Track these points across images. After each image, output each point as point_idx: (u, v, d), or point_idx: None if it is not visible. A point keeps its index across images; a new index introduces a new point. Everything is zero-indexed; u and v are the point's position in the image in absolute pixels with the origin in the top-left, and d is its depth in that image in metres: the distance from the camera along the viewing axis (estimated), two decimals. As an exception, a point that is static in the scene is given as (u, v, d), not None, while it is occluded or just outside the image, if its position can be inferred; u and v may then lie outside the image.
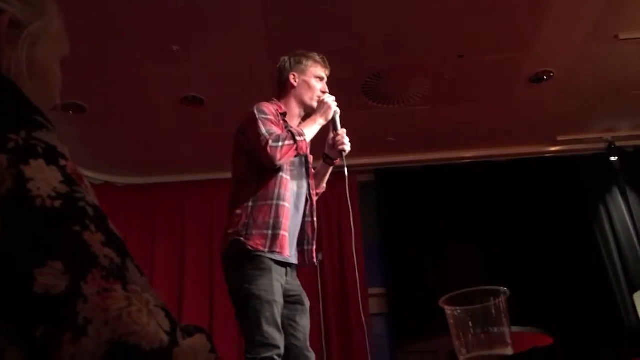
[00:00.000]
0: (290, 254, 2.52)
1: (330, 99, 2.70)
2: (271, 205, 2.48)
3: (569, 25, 3.91)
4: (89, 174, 4.89)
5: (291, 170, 2.61)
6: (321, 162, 2.83)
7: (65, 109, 4.18)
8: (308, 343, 2.53)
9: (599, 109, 4.98)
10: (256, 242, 2.41)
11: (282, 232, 2.46)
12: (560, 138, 5.37)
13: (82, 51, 3.53)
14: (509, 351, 1.13)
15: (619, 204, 5.30)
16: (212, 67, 4.04)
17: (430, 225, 5.09)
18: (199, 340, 0.67)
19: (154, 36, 3.72)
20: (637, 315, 3.81)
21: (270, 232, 2.44)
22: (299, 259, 2.63)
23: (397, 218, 5.25)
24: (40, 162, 0.66)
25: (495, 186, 5.30)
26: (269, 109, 2.59)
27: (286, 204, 2.51)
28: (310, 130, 2.60)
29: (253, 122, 2.53)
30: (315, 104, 2.72)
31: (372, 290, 5.07)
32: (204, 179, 5.30)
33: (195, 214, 5.22)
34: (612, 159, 5.41)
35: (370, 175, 5.45)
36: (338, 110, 2.72)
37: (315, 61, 2.78)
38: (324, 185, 2.87)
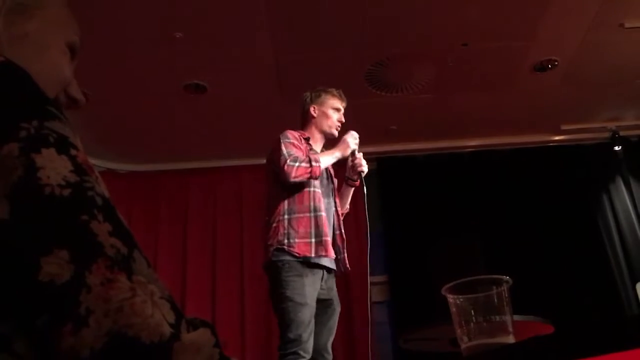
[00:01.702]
0: (332, 254, 2.88)
1: (351, 138, 3.06)
2: (309, 217, 2.86)
3: (573, 13, 3.88)
4: (92, 161, 4.83)
5: (321, 188, 2.99)
6: (343, 184, 3.21)
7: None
8: (329, 345, 2.87)
9: (603, 98, 4.97)
10: (302, 249, 2.78)
11: (325, 238, 2.84)
12: (564, 127, 5.36)
13: (85, 37, 3.51)
14: (511, 339, 1.14)
15: (622, 194, 5.30)
16: (214, 55, 4.03)
17: (432, 213, 5.09)
18: (202, 334, 0.66)
19: (157, 23, 3.70)
20: (639, 304, 3.82)
21: (313, 240, 2.82)
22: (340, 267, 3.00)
23: (399, 206, 5.25)
24: (52, 151, 0.66)
25: (498, 175, 5.29)
26: (293, 134, 2.99)
27: (323, 214, 2.90)
28: (327, 160, 2.97)
29: (277, 145, 2.91)
30: (333, 132, 3.13)
31: (374, 279, 5.09)
32: (207, 166, 5.31)
33: (198, 201, 5.22)
34: (616, 148, 5.40)
35: (373, 164, 5.45)
36: (356, 148, 3.08)
37: (333, 95, 3.17)
38: (348, 206, 3.25)
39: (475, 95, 4.74)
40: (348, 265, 3.02)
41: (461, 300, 1.18)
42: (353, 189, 3.21)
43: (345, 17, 3.76)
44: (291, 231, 2.81)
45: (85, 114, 4.40)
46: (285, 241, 2.79)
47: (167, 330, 0.62)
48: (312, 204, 2.88)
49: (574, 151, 5.43)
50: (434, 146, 5.39)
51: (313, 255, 2.78)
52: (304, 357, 2.63)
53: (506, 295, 1.16)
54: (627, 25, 3.99)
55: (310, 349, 2.66)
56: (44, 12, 0.88)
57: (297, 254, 2.77)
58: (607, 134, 5.43)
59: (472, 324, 1.15)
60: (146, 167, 5.35)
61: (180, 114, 4.66)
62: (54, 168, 0.65)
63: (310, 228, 2.83)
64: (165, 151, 5.19)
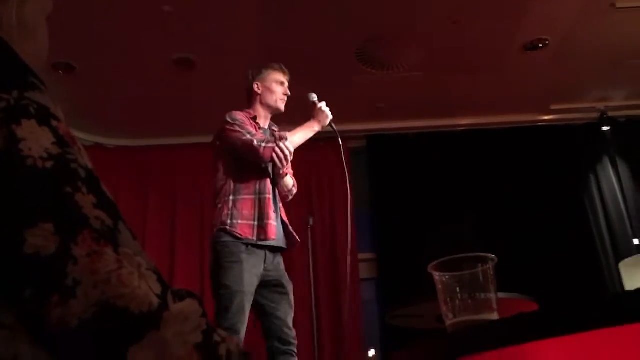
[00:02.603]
0: (275, 237, 2.81)
1: (324, 106, 2.99)
2: (254, 199, 2.82)
3: (565, -8, 3.88)
4: (79, 135, 4.86)
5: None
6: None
7: (55, 68, 4.13)
8: (288, 321, 2.82)
9: (593, 78, 4.98)
10: (244, 231, 2.74)
11: (267, 221, 2.79)
12: (553, 107, 5.37)
13: (72, 10, 3.47)
14: (495, 316, 1.15)
15: (608, 174, 5.34)
16: (203, 29, 3.99)
17: (421, 191, 5.12)
18: (190, 304, 0.66)
19: (145, -4, 3.66)
20: (622, 284, 3.87)
21: (256, 223, 2.78)
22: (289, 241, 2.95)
23: (388, 184, 5.26)
24: (32, 122, 0.65)
25: (487, 154, 5.32)
26: (239, 114, 2.96)
27: (268, 196, 2.84)
28: (303, 135, 2.93)
29: (231, 128, 2.88)
30: (279, 106, 3.06)
31: (362, 256, 5.12)
32: (195, 142, 5.28)
33: (186, 177, 5.21)
34: (604, 128, 5.43)
35: (362, 142, 5.45)
36: (331, 116, 3.00)
37: (274, 69, 3.10)
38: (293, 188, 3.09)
39: (465, 74, 4.73)
40: (295, 241, 2.97)
41: (447, 277, 1.19)
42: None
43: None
44: (235, 212, 2.78)
45: (74, 88, 4.37)
46: (228, 221, 2.76)
47: (155, 300, 0.63)
48: (257, 186, 2.85)
49: (563, 131, 5.46)
50: (424, 124, 5.39)
51: (255, 238, 2.75)
52: None
53: (491, 273, 1.17)
54: (618, 5, 3.98)
55: (243, 338, 2.65)
56: None
57: (239, 235, 2.73)
58: (595, 115, 5.46)
59: (457, 301, 1.17)
60: (134, 142, 5.32)
61: (168, 89, 4.62)
62: (35, 140, 0.64)
63: (254, 210, 2.80)
64: (153, 126, 5.16)
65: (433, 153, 5.31)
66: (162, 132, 5.23)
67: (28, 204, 0.62)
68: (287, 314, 2.83)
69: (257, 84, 3.09)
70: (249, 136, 2.81)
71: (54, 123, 0.68)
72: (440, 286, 1.20)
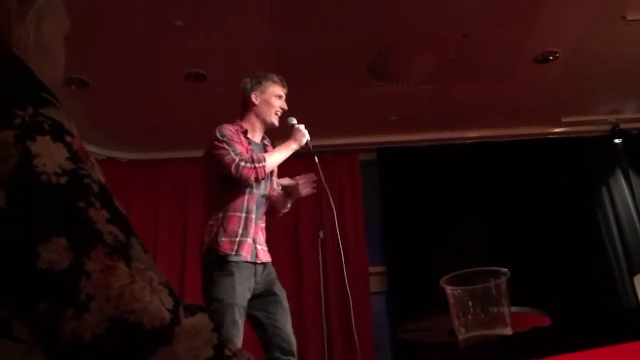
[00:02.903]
0: (250, 257, 2.80)
1: (302, 127, 3.00)
2: (240, 217, 2.82)
3: (575, 5, 3.86)
4: (92, 149, 4.89)
5: (259, 183, 2.92)
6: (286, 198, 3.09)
7: (68, 83, 4.17)
8: (287, 329, 2.81)
9: (604, 91, 4.95)
10: (225, 247, 2.75)
11: (247, 239, 2.80)
12: (564, 119, 5.35)
13: (86, 25, 3.50)
14: (508, 331, 1.14)
15: (621, 187, 5.30)
16: (215, 43, 4.02)
17: (431, 205, 5.10)
18: (201, 319, 0.67)
19: (158, 11, 3.69)
20: (637, 298, 3.82)
21: (237, 239, 2.78)
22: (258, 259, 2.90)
23: (398, 197, 5.25)
24: (47, 138, 0.66)
25: (498, 167, 5.30)
26: (230, 130, 2.92)
27: (252, 216, 2.85)
28: (282, 155, 2.94)
29: (218, 141, 2.87)
30: (274, 121, 3.02)
31: (373, 269, 5.10)
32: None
33: (198, 190, 5.20)
34: (616, 141, 5.40)
35: (373, 154, 5.45)
36: (308, 137, 3.01)
37: (274, 81, 3.05)
38: (285, 209, 3.13)
39: (475, 87, 4.73)
40: (268, 258, 2.95)
41: (459, 291, 1.18)
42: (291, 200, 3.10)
43: (346, 7, 3.74)
44: (221, 230, 2.78)
45: (87, 103, 4.41)
46: (215, 239, 2.77)
47: (167, 315, 0.63)
48: (245, 205, 2.84)
49: (574, 143, 5.43)
50: (434, 137, 5.39)
51: (233, 253, 2.74)
52: None
53: (504, 287, 1.16)
54: (629, 17, 3.97)
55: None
56: (52, 11, 0.88)
57: (221, 252, 2.74)
58: (607, 127, 5.43)
59: (469, 315, 1.15)
60: (147, 155, 5.35)
61: (180, 103, 4.65)
62: (49, 156, 0.65)
63: (239, 228, 2.79)
64: (165, 140, 5.19)
65: (444, 166, 5.30)
66: (174, 145, 5.25)
67: (42, 219, 0.62)
68: (285, 321, 2.82)
69: (255, 94, 3.03)
70: (232, 155, 2.79)
71: (68, 139, 0.68)
72: (452, 300, 1.19)
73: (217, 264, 2.74)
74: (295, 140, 2.97)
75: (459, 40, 4.11)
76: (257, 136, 3.05)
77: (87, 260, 0.62)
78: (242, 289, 2.70)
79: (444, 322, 3.00)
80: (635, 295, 4.25)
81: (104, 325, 0.60)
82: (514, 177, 5.22)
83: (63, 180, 0.65)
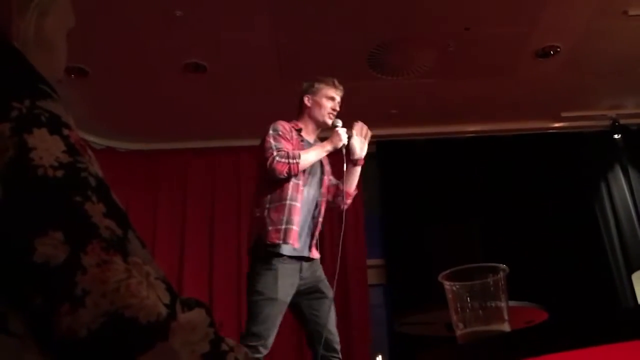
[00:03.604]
0: (299, 246, 2.88)
1: (343, 131, 3.05)
2: (285, 204, 2.88)
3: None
4: (91, 139, 4.89)
5: (307, 179, 3.02)
6: (350, 166, 3.19)
7: (67, 72, 4.15)
8: (331, 326, 2.87)
9: (604, 86, 4.95)
10: (272, 237, 2.81)
11: (292, 227, 2.85)
12: (564, 114, 5.34)
13: (86, 14, 3.49)
14: (506, 327, 1.14)
15: (620, 183, 5.30)
16: (215, 34, 4.00)
17: (431, 198, 5.10)
18: (198, 314, 0.67)
19: (158, 1, 3.67)
20: (635, 295, 3.83)
21: (283, 226, 2.84)
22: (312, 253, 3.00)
23: (398, 190, 5.25)
24: (44, 131, 0.66)
25: (498, 161, 5.30)
26: (283, 126, 3.02)
27: (297, 204, 2.91)
28: (313, 155, 2.99)
29: (266, 136, 2.96)
30: (326, 120, 3.11)
31: (371, 262, 5.11)
32: (206, 146, 5.30)
33: (197, 181, 5.22)
34: (616, 136, 5.40)
35: (372, 147, 5.44)
36: (345, 142, 3.07)
37: (327, 84, 3.15)
38: (354, 186, 3.22)
39: (476, 80, 4.72)
40: (313, 254, 3.00)
41: (457, 287, 1.18)
42: (359, 168, 3.20)
43: (348, 0, 3.73)
44: (268, 220, 2.85)
45: (86, 92, 4.40)
46: (262, 231, 2.84)
47: (164, 310, 0.63)
48: (289, 193, 2.90)
49: (574, 138, 5.43)
50: (434, 130, 5.38)
51: (280, 242, 2.80)
52: (261, 353, 2.67)
53: (502, 283, 1.16)
54: (630, 12, 3.96)
55: (270, 345, 2.71)
56: (56, 6, 0.87)
57: (268, 243, 2.80)
58: (607, 122, 5.42)
59: (467, 310, 1.16)
60: (146, 145, 5.34)
61: (180, 93, 4.64)
62: (46, 149, 0.65)
63: (284, 215, 2.86)
64: (164, 130, 5.18)
65: (443, 159, 5.29)
66: (173, 136, 5.25)
67: (38, 212, 0.62)
68: (329, 319, 2.87)
69: (308, 97, 3.14)
70: (273, 149, 2.89)
71: (65, 131, 0.68)
72: (450, 295, 1.19)
73: (263, 257, 2.80)
74: (332, 142, 3.03)
75: (460, 33, 4.10)
76: (311, 136, 3.16)
77: (84, 254, 0.61)
78: (284, 285, 2.77)
79: (441, 315, 3.01)
80: (633, 292, 4.26)
81: (100, 320, 0.60)
82: (513, 172, 5.22)
83: (60, 173, 0.64)
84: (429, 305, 3.25)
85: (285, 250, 2.81)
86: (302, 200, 2.94)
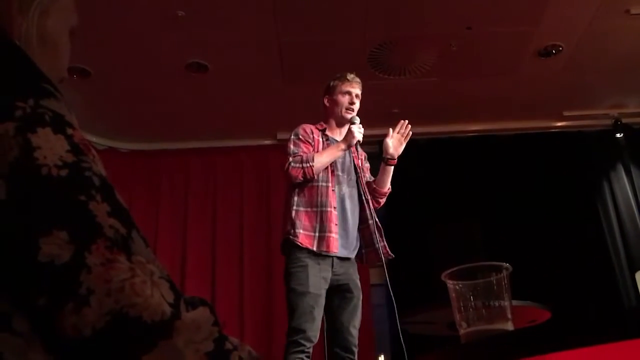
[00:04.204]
0: (337, 250, 2.90)
1: (356, 127, 3.07)
2: (316, 212, 2.93)
3: (580, -1, 3.85)
4: (93, 139, 4.89)
5: (339, 177, 3.07)
6: (381, 164, 3.26)
7: (70, 72, 4.12)
8: (351, 327, 2.90)
9: (606, 85, 4.94)
10: (303, 241, 2.86)
11: (329, 235, 2.89)
12: (566, 113, 5.33)
13: (88, 15, 3.48)
14: (509, 326, 1.14)
15: (622, 182, 5.29)
16: (217, 34, 4.00)
17: (433, 197, 5.09)
18: (202, 313, 0.67)
19: (160, 1, 3.67)
20: (638, 294, 3.82)
21: (317, 234, 2.89)
22: (371, 257, 3.10)
23: (400, 189, 5.22)
24: (48, 130, 0.66)
25: (500, 160, 5.28)
26: (304, 129, 3.09)
27: (329, 209, 2.94)
28: (331, 155, 3.01)
29: (288, 142, 3.05)
30: (345, 115, 3.15)
31: (373, 261, 5.10)
32: (208, 146, 5.30)
33: (199, 181, 5.22)
34: (618, 135, 5.38)
35: (375, 147, 5.44)
36: (359, 138, 3.08)
37: (341, 80, 3.18)
38: (389, 185, 3.26)
39: (478, 80, 4.71)
40: (385, 255, 3.08)
41: (460, 286, 1.18)
42: (392, 167, 3.25)
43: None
44: (297, 222, 2.90)
45: (88, 92, 4.40)
46: (292, 230, 2.88)
47: (168, 309, 0.63)
48: (318, 199, 2.95)
49: (576, 137, 5.41)
50: (436, 130, 5.37)
51: (315, 249, 2.86)
52: (304, 346, 2.72)
53: (505, 282, 1.16)
54: (633, 11, 3.95)
55: (314, 337, 2.75)
56: (58, 5, 0.87)
57: (300, 244, 2.85)
58: (609, 121, 5.41)
59: (471, 309, 1.16)
60: (147, 145, 5.34)
61: (182, 93, 4.64)
62: (50, 148, 0.65)
63: (316, 223, 2.91)
64: (166, 130, 5.18)
65: (446, 159, 5.28)
66: (175, 136, 5.25)
67: (43, 212, 0.62)
68: (352, 319, 2.92)
69: (327, 98, 3.20)
70: (290, 154, 2.96)
71: (69, 131, 0.68)
72: (453, 294, 1.19)
73: (294, 256, 2.86)
74: (345, 140, 3.06)
75: (462, 32, 4.09)
76: (337, 134, 3.19)
77: (88, 253, 0.61)
78: (316, 279, 2.82)
79: (443, 315, 3.01)
80: (636, 291, 4.26)
81: (104, 319, 0.60)
82: (515, 171, 5.21)
83: (64, 172, 0.64)
84: (430, 305, 3.25)
85: (317, 250, 2.87)
86: (336, 202, 2.99)
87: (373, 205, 3.16)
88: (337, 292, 2.93)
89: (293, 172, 2.90)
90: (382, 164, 3.22)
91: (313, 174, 2.93)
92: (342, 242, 2.94)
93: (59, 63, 0.87)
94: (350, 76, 3.20)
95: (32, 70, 0.72)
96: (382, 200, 3.26)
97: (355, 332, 2.92)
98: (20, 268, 0.61)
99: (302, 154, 2.96)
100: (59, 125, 0.67)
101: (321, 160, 2.97)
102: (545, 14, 3.95)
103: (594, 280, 4.81)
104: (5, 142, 0.64)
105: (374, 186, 3.20)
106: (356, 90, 3.19)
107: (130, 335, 0.61)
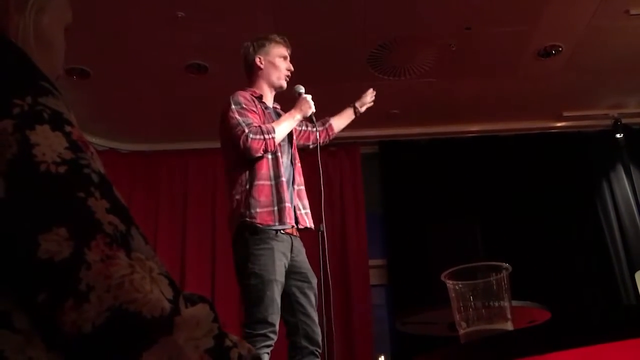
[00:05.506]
0: (293, 221, 2.71)
1: (309, 98, 2.89)
2: (270, 185, 2.69)
3: (579, -1, 3.85)
4: (93, 140, 4.89)
5: (283, 146, 2.83)
6: (350, 109, 3.20)
7: (69, 73, 4.16)
8: (315, 317, 2.68)
9: (606, 85, 4.94)
10: (264, 219, 2.61)
11: (285, 204, 2.66)
12: (566, 114, 5.33)
13: (87, 15, 3.49)
14: (509, 326, 1.14)
15: (622, 182, 5.29)
16: (216, 35, 4.00)
17: (433, 198, 5.09)
18: (201, 309, 0.67)
19: (159, 1, 3.68)
20: (638, 294, 3.82)
21: (275, 207, 2.65)
22: (300, 224, 2.79)
23: (400, 190, 5.25)
24: (46, 127, 0.66)
25: (500, 161, 5.28)
26: (244, 96, 2.79)
27: (283, 179, 2.72)
28: (286, 126, 2.80)
29: (230, 111, 2.73)
30: (282, 83, 2.93)
31: (373, 262, 5.10)
32: (208, 147, 5.30)
33: (199, 182, 5.23)
34: (618, 136, 5.38)
35: (374, 147, 5.45)
36: (314, 109, 2.91)
37: (277, 42, 2.94)
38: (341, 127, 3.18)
39: (477, 80, 4.71)
40: (310, 223, 2.83)
41: (460, 286, 1.18)
42: (354, 116, 3.21)
43: (349, 0, 3.73)
44: (252, 201, 2.62)
45: (88, 93, 4.40)
46: (247, 212, 2.61)
47: (167, 305, 0.63)
48: (272, 171, 2.71)
49: (576, 138, 5.42)
50: (436, 131, 5.38)
51: (277, 223, 2.62)
52: (272, 339, 2.50)
53: (505, 282, 1.16)
54: (632, 12, 3.95)
55: (277, 329, 2.52)
56: (53, 2, 0.87)
57: (259, 225, 2.60)
58: (609, 122, 5.41)
59: (470, 309, 1.16)
60: (147, 146, 5.35)
61: (182, 94, 4.64)
62: (48, 145, 0.65)
63: (272, 196, 2.66)
64: (166, 131, 5.18)
65: (445, 159, 5.29)
66: (175, 137, 5.25)
67: (42, 208, 0.62)
68: (313, 309, 2.69)
69: (260, 58, 2.91)
70: (242, 126, 2.66)
71: (68, 128, 0.68)
72: (453, 295, 1.19)
73: (256, 237, 2.59)
74: (301, 110, 2.85)
75: (461, 33, 4.10)
76: (269, 101, 2.94)
77: (87, 250, 0.62)
78: (280, 265, 2.58)
79: (443, 315, 3.01)
80: (636, 291, 4.26)
81: (104, 315, 0.60)
82: (515, 171, 5.21)
83: (62, 169, 0.64)
84: (430, 306, 3.25)
85: (280, 227, 2.64)
86: (285, 172, 2.75)
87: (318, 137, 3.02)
88: (296, 281, 2.69)
89: (254, 145, 2.61)
90: (352, 112, 3.17)
91: (274, 146, 2.69)
92: (297, 211, 2.75)
93: (55, 60, 0.87)
94: (285, 39, 2.96)
95: (30, 68, 0.72)
96: (332, 135, 3.17)
97: (317, 322, 2.67)
98: (20, 265, 0.61)
99: (257, 124, 2.68)
100: (57, 122, 0.68)
101: (281, 131, 2.74)
102: (545, 14, 3.95)
103: (593, 280, 4.82)
104: (3, 140, 0.64)
105: (332, 125, 3.11)
106: (289, 55, 2.96)
107: (130, 331, 0.61)
